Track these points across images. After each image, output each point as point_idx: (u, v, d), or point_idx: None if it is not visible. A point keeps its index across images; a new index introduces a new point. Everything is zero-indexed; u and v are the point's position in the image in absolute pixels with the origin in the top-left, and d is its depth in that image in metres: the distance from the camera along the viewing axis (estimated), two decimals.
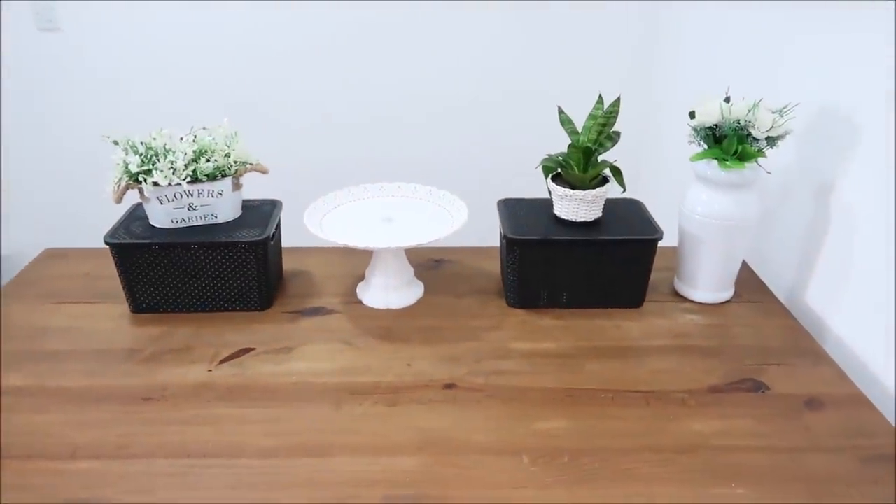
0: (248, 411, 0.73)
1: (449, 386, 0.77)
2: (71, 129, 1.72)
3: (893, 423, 0.72)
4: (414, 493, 0.63)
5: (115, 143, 0.85)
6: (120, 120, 1.64)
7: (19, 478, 0.64)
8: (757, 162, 0.85)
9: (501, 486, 0.64)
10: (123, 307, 0.91)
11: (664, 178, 1.49)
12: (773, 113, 0.83)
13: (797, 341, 0.86)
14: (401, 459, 0.67)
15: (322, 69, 1.68)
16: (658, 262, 0.91)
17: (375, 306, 0.92)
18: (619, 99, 0.85)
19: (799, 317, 0.92)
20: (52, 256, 1.06)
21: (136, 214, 0.92)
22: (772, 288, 0.98)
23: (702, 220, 0.89)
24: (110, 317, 0.90)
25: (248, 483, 0.64)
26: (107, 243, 0.86)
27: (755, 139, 0.83)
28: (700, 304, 0.94)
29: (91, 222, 1.39)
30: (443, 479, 0.64)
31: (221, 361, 0.81)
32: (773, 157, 0.87)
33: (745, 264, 0.98)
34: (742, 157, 0.84)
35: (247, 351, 0.83)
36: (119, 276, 0.88)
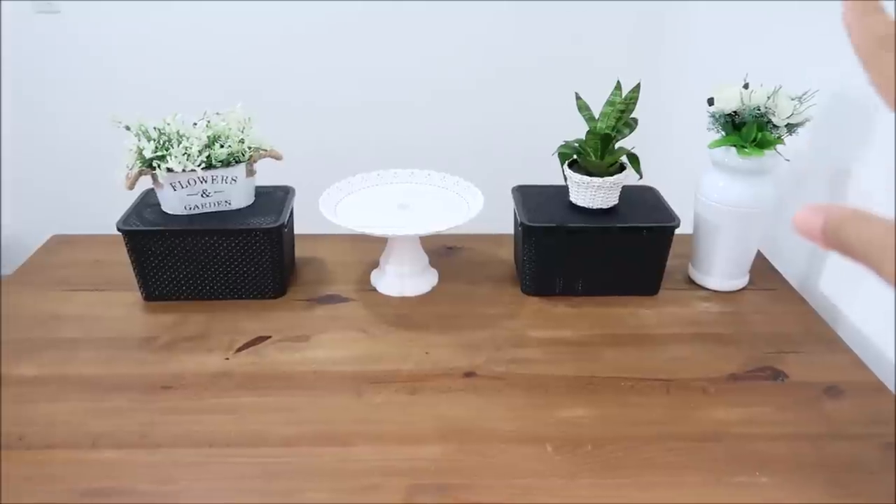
0: (268, 400, 0.73)
1: (469, 374, 0.77)
2: (70, 114, 1.69)
3: None
4: (439, 483, 0.62)
5: (127, 128, 0.84)
6: (122, 104, 1.61)
7: (40, 467, 0.63)
8: (775, 149, 0.84)
9: (527, 475, 0.63)
10: (135, 295, 0.90)
11: (671, 165, 1.48)
12: (793, 100, 0.83)
13: (813, 329, 0.86)
14: (424, 448, 0.66)
15: (332, 54, 1.66)
16: (672, 249, 0.91)
17: (390, 294, 0.92)
18: (638, 85, 0.84)
19: (813, 304, 0.92)
20: (60, 243, 1.04)
21: (148, 201, 0.91)
22: (785, 275, 0.98)
23: (718, 207, 0.89)
24: (122, 304, 0.89)
25: (272, 472, 0.63)
26: (120, 230, 0.85)
27: (775, 126, 0.83)
28: (715, 291, 0.94)
29: (92, 208, 1.38)
30: (467, 469, 0.64)
31: (238, 349, 0.80)
32: (787, 144, 0.86)
33: (757, 252, 0.98)
34: (761, 144, 0.84)
35: (263, 339, 0.82)
36: (131, 263, 0.87)
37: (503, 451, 0.66)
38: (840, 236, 0.25)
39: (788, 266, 1.00)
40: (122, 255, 0.88)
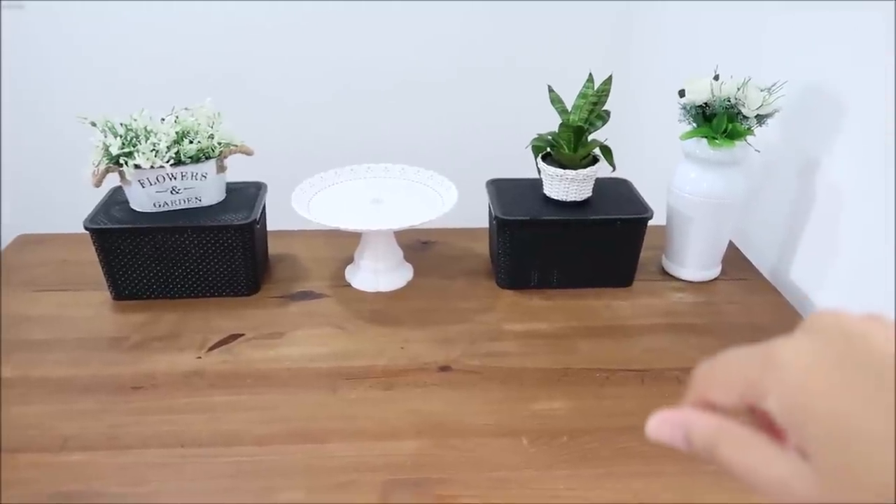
0: (241, 398, 0.72)
1: (444, 368, 0.77)
2: (35, 110, 1.66)
3: None
4: (415, 478, 0.62)
5: (93, 124, 0.82)
6: (89, 99, 1.59)
7: (7, 472, 0.62)
8: (746, 140, 0.85)
9: (503, 467, 0.63)
10: (104, 294, 0.89)
11: (645, 157, 1.49)
12: (762, 91, 0.83)
13: (784, 317, 0.87)
14: (400, 443, 0.66)
15: (305, 48, 1.64)
16: (645, 240, 0.91)
17: (365, 289, 0.91)
18: (610, 77, 0.84)
19: (784, 293, 0.93)
20: (27, 243, 1.02)
21: (116, 198, 0.89)
22: (756, 265, 0.99)
23: (691, 198, 0.89)
24: (91, 304, 0.88)
25: (246, 471, 0.62)
26: (87, 229, 0.83)
27: (745, 117, 0.84)
28: (688, 282, 0.94)
29: (58, 207, 1.35)
30: (443, 463, 0.64)
31: (211, 348, 0.79)
32: (757, 135, 0.87)
33: (729, 242, 0.99)
34: (732, 135, 0.84)
35: (236, 337, 0.81)
36: (100, 262, 0.85)
37: (479, 444, 0.66)
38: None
39: (759, 256, 1.01)
40: (90, 254, 0.86)
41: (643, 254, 0.93)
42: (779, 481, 0.25)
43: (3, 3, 1.54)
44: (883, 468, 0.22)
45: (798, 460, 0.25)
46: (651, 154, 1.46)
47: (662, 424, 0.29)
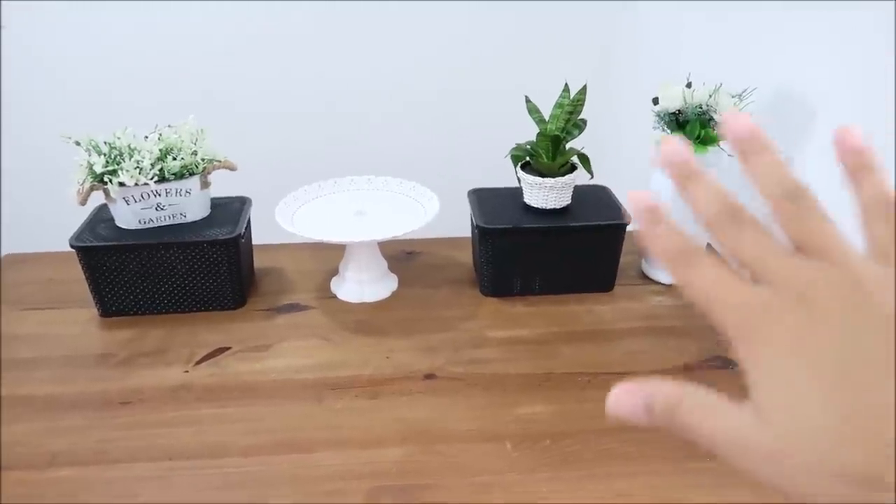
0: (228, 411, 0.73)
1: (429, 376, 0.78)
2: (21, 129, 1.66)
3: None
4: (400, 485, 0.63)
5: (77, 143, 0.83)
6: (73, 117, 1.59)
7: None
8: (719, 146, 0.87)
9: (486, 472, 0.65)
10: (91, 311, 0.89)
11: (623, 164, 1.51)
12: (733, 97, 0.85)
13: None
14: (385, 451, 0.67)
15: (285, 62, 1.65)
16: (625, 245, 0.93)
17: (350, 300, 0.92)
18: (585, 87, 0.86)
19: None
20: (12, 262, 1.03)
21: (101, 216, 0.90)
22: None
23: (667, 203, 0.91)
24: (78, 322, 0.88)
25: (233, 482, 0.63)
26: (73, 247, 0.84)
27: (717, 123, 0.86)
28: (668, 285, 0.96)
29: (44, 225, 1.35)
30: (428, 469, 0.65)
31: (198, 362, 0.80)
32: None
33: (708, 245, 1.01)
34: (704, 141, 0.86)
35: (223, 350, 0.82)
36: (86, 279, 0.86)
37: (463, 450, 0.67)
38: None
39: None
40: (76, 272, 0.87)
41: (623, 259, 0.94)
42: (735, 432, 0.25)
43: None
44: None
45: (752, 414, 0.25)
46: (628, 160, 1.48)
47: (623, 394, 0.29)
